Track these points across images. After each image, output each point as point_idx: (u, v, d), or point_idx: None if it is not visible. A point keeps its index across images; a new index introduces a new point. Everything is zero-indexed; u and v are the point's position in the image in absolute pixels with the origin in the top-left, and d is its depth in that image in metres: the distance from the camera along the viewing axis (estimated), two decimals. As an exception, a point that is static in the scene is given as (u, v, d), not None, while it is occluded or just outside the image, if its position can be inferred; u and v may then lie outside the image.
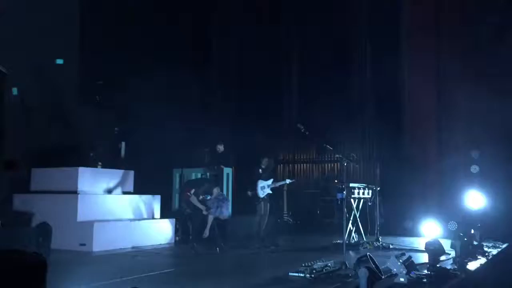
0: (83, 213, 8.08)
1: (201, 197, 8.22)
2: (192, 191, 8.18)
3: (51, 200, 8.28)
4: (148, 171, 10.22)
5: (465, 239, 6.67)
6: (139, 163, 9.99)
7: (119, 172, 9.41)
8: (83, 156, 9.23)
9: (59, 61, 8.72)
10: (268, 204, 9.45)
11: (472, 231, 7.54)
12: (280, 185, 9.65)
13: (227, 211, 8.62)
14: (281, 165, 14.78)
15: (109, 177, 9.12)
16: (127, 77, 10.82)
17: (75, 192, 8.31)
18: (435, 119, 12.32)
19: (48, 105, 9.55)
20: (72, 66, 10.27)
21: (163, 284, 5.03)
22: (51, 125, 9.39)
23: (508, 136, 11.12)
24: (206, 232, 8.18)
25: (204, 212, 8.16)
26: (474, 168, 10.98)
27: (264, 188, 9.47)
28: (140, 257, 7.32)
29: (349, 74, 13.74)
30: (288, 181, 10.18)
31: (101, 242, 7.77)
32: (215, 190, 8.41)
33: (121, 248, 7.95)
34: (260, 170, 9.56)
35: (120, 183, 9.31)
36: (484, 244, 7.78)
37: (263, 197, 9.50)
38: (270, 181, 9.40)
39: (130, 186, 9.49)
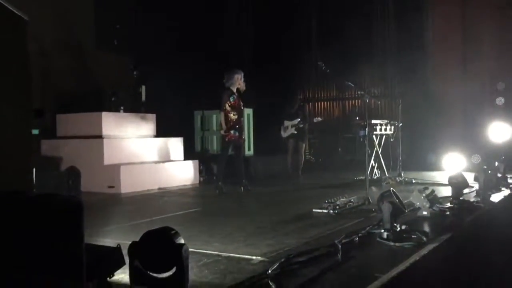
0: (109, 157, 8.27)
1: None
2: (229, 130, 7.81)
3: (77, 144, 8.47)
4: (169, 113, 10.31)
5: (489, 171, 6.65)
6: (161, 106, 10.05)
7: (142, 116, 9.51)
8: (105, 101, 9.31)
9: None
10: (293, 143, 9.52)
11: (496, 164, 7.49)
12: (303, 124, 9.51)
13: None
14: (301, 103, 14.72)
15: (132, 121, 9.23)
16: (145, 19, 10.68)
17: (100, 137, 8.46)
18: (460, 51, 11.97)
19: (67, 51, 9.54)
20: (89, 11, 10.14)
21: (191, 222, 5.20)
22: (71, 71, 9.42)
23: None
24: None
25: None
26: (500, 100, 10.76)
27: (287, 128, 9.53)
28: (167, 197, 7.55)
29: (371, 8, 13.31)
30: (315, 119, 10.16)
31: (128, 184, 7.99)
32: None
33: (148, 190, 8.18)
34: (289, 109, 9.60)
35: (143, 127, 9.43)
36: (508, 176, 7.75)
37: (285, 137, 9.59)
38: (295, 121, 9.42)
39: (152, 129, 9.61)
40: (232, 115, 7.74)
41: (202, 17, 12.47)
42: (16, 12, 2.99)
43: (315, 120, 10.25)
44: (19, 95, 3.19)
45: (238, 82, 7.84)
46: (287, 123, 9.55)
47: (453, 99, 11.86)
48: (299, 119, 9.42)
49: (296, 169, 9.55)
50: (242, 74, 7.91)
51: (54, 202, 1.98)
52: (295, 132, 9.46)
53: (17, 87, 3.13)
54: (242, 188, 7.87)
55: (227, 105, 7.75)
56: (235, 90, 7.86)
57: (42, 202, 1.98)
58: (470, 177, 6.42)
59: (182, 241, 2.61)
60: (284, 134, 9.62)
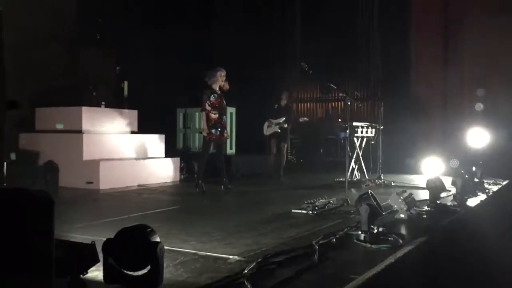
0: (89, 152, 8.17)
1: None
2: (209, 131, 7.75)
3: (56, 139, 8.35)
4: (151, 110, 10.23)
5: (466, 176, 6.74)
6: (143, 102, 9.97)
7: (123, 112, 9.42)
8: (86, 95, 9.20)
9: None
10: (276, 143, 9.50)
11: (474, 168, 7.60)
12: (287, 125, 9.48)
13: None
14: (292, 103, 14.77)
15: (113, 117, 9.13)
16: (128, 14, 10.59)
17: (79, 132, 8.36)
18: (442, 57, 12.13)
19: (48, 44, 9.39)
20: (72, 3, 9.99)
21: (169, 220, 5.16)
22: (53, 65, 9.28)
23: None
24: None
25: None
26: (479, 106, 10.93)
27: (270, 126, 9.51)
28: (146, 195, 7.49)
29: (354, 11, 13.40)
30: (301, 119, 10.13)
31: (108, 180, 7.91)
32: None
33: (127, 186, 8.10)
34: (276, 106, 9.55)
35: (124, 123, 9.34)
36: (485, 181, 7.87)
37: (267, 135, 9.58)
38: (280, 120, 9.39)
39: (134, 125, 9.52)
40: (213, 114, 7.69)
41: (189, 15, 12.41)
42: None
43: (301, 119, 10.21)
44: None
45: (220, 80, 7.80)
46: (270, 121, 9.53)
47: (434, 104, 12.01)
48: (284, 118, 9.40)
49: (277, 169, 9.56)
50: (225, 72, 7.88)
51: (23, 197, 1.94)
52: (278, 131, 9.45)
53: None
54: (222, 186, 7.84)
55: (207, 105, 7.68)
56: (217, 89, 7.82)
57: (10, 197, 1.94)
58: (448, 181, 6.51)
59: (158, 239, 2.59)
60: (267, 132, 9.60)
